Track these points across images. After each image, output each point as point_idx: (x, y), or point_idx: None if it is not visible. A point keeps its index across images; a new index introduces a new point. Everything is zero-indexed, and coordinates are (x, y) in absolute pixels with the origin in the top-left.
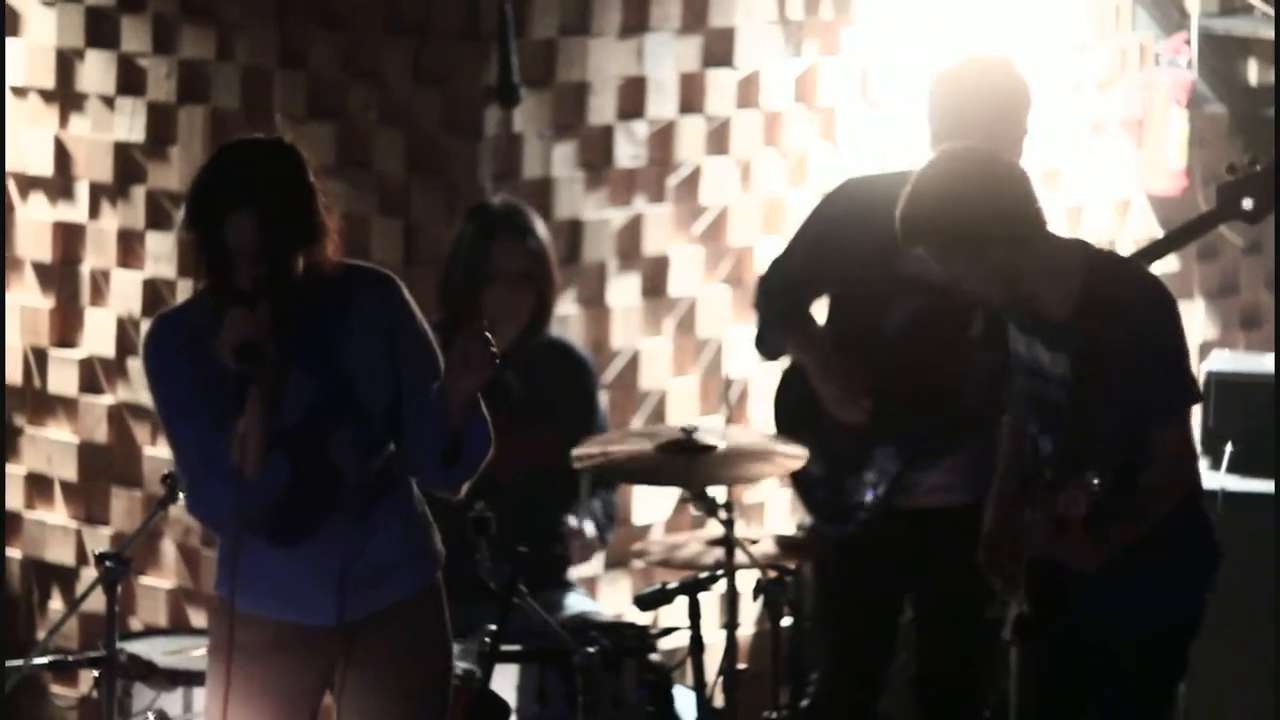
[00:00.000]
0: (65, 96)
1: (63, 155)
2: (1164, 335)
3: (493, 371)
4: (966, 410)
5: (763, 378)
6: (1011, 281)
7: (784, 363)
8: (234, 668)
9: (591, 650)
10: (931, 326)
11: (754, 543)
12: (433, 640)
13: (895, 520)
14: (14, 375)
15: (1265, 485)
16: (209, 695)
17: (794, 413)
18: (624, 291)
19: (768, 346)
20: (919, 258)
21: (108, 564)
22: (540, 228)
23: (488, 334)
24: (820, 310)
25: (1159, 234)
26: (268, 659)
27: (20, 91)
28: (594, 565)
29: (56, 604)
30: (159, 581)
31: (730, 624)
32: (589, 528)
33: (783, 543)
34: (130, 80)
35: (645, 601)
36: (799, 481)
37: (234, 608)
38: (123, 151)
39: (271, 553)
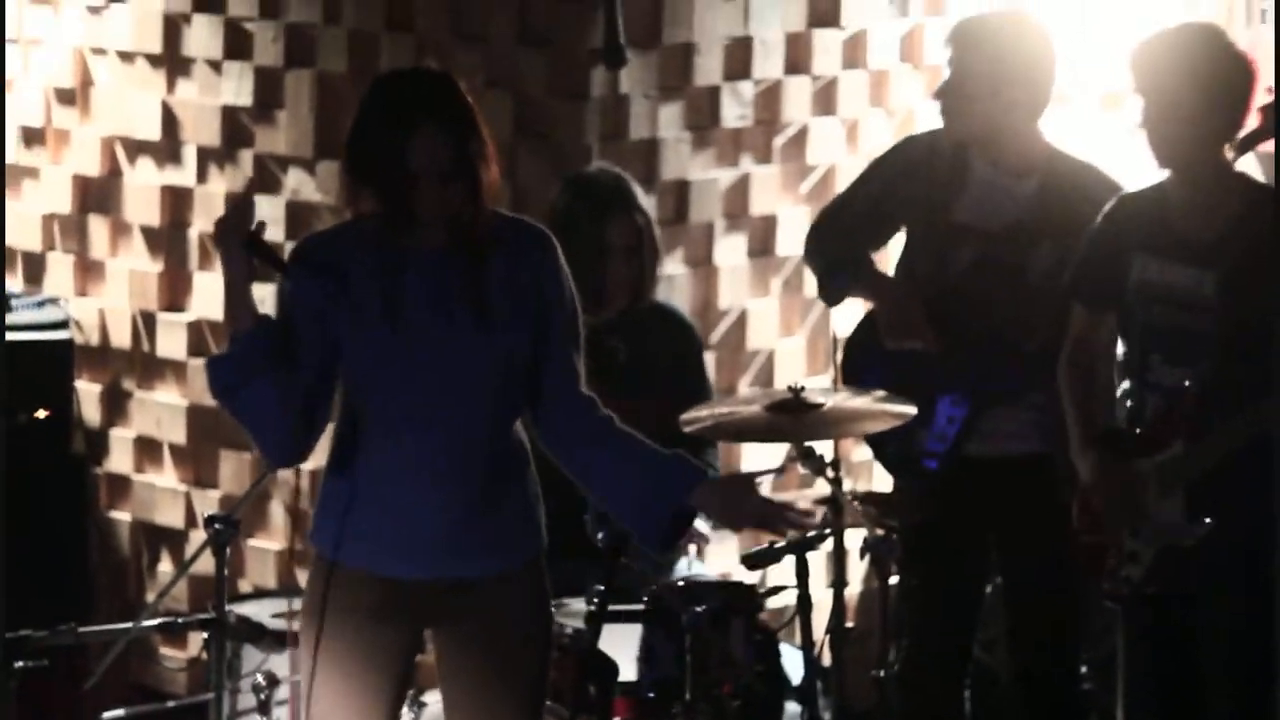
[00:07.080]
0: (172, 61)
1: (170, 120)
2: None
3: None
4: (1029, 355)
5: None
6: (1206, 158)
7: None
8: (330, 629)
9: (699, 610)
10: (990, 272)
11: (859, 500)
12: (534, 614)
13: (970, 469)
14: (123, 339)
15: None
16: (306, 654)
17: (858, 370)
18: (731, 251)
19: (830, 292)
20: (974, 207)
21: (216, 526)
22: (642, 196)
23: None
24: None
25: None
26: (364, 621)
27: (127, 56)
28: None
29: (166, 566)
30: (267, 543)
31: (838, 582)
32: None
33: (869, 499)
34: (237, 44)
35: (752, 560)
36: (870, 439)
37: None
38: (230, 115)
39: (388, 506)
